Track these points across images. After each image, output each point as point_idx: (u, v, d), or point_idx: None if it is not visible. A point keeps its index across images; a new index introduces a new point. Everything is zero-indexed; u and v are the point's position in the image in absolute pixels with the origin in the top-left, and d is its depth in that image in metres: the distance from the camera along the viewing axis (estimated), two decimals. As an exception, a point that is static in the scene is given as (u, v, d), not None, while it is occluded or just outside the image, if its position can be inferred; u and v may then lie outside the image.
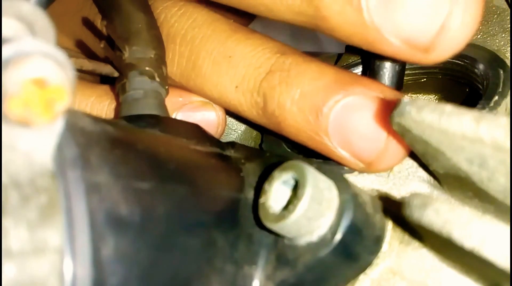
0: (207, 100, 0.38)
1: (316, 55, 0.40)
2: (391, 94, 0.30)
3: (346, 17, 0.29)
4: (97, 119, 0.26)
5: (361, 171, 0.32)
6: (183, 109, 0.37)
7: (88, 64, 0.39)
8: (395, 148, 0.29)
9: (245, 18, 0.41)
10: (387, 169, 0.31)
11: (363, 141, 0.30)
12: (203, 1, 0.38)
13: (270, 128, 0.34)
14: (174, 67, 0.37)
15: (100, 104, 0.39)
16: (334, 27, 0.30)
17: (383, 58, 0.34)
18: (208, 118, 0.37)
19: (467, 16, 0.26)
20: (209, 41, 0.35)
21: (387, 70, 0.34)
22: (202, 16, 0.37)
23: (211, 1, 0.37)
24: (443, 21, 0.26)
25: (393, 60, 0.33)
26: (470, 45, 0.34)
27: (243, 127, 0.43)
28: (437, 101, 0.41)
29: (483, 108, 0.31)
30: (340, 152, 0.30)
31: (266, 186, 0.27)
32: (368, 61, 0.35)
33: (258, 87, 0.33)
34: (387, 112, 0.28)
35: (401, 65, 0.34)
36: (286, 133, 0.33)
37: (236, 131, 0.43)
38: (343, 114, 0.30)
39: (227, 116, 0.43)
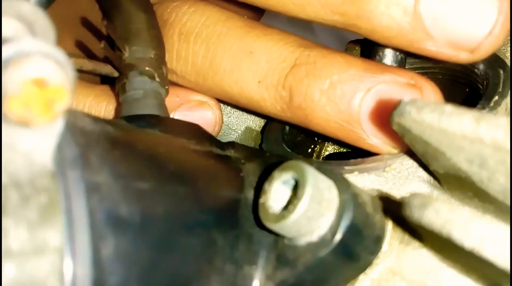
0: (204, 99, 0.38)
1: None
2: (422, 81, 0.31)
3: (392, 19, 0.29)
4: (97, 119, 0.26)
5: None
6: (180, 108, 0.37)
7: (88, 64, 0.39)
8: None
9: (253, 16, 0.41)
10: None
11: None
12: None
13: (294, 122, 0.34)
14: (189, 66, 0.37)
15: (98, 105, 0.39)
16: (375, 28, 0.30)
17: (383, 54, 0.34)
18: (205, 117, 0.38)
19: (508, 23, 0.29)
20: (226, 38, 0.35)
21: (388, 53, 0.34)
22: (215, 14, 0.37)
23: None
24: (491, 27, 0.29)
25: (394, 55, 0.34)
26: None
27: (243, 127, 0.43)
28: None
29: (483, 108, 0.31)
30: (372, 139, 0.31)
31: (266, 186, 0.27)
32: (367, 45, 0.35)
33: (283, 81, 0.33)
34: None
35: (403, 60, 0.34)
36: (314, 125, 0.33)
37: (236, 131, 0.43)
38: (375, 101, 0.30)
39: (227, 116, 0.43)
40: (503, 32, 0.29)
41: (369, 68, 0.31)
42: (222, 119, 0.39)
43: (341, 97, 0.31)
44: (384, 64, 0.33)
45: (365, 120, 0.31)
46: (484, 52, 0.30)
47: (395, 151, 0.31)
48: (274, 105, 0.34)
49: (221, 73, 0.35)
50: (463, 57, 0.30)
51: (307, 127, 0.33)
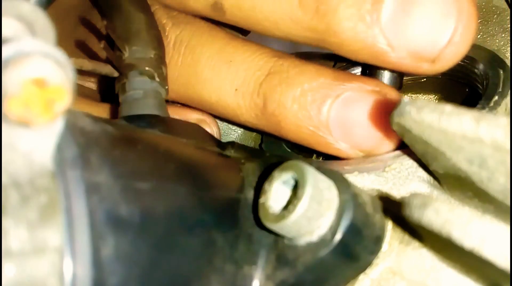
0: (203, 117, 0.39)
1: (314, 55, 0.41)
2: (386, 89, 0.32)
3: (357, 32, 0.30)
4: (97, 119, 0.26)
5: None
6: None
7: (88, 64, 0.39)
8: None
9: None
10: (389, 151, 0.32)
11: (363, 131, 0.32)
12: (204, 18, 0.38)
13: (268, 130, 0.35)
14: (176, 75, 0.37)
15: None
16: (343, 42, 0.31)
17: (382, 76, 0.35)
18: None
19: (469, 31, 0.29)
20: (210, 48, 0.36)
21: (386, 74, 0.34)
22: (203, 25, 0.38)
23: (214, 20, 0.37)
24: (450, 35, 0.29)
25: (390, 76, 0.35)
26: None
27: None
28: (437, 101, 0.41)
29: (483, 108, 0.31)
30: (340, 144, 0.32)
31: (266, 186, 0.27)
32: (367, 66, 0.35)
33: (258, 89, 0.34)
34: (383, 105, 0.31)
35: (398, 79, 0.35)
36: (286, 132, 0.34)
37: (236, 131, 0.43)
38: (343, 108, 0.32)
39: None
40: (464, 40, 0.29)
41: (338, 77, 0.32)
42: (220, 136, 0.40)
43: (311, 104, 0.32)
44: (353, 73, 0.34)
45: (333, 126, 0.32)
46: (445, 61, 0.30)
47: (362, 154, 0.32)
48: (249, 113, 0.35)
49: (203, 81, 0.36)
50: (425, 67, 0.31)
51: (280, 134, 0.34)
